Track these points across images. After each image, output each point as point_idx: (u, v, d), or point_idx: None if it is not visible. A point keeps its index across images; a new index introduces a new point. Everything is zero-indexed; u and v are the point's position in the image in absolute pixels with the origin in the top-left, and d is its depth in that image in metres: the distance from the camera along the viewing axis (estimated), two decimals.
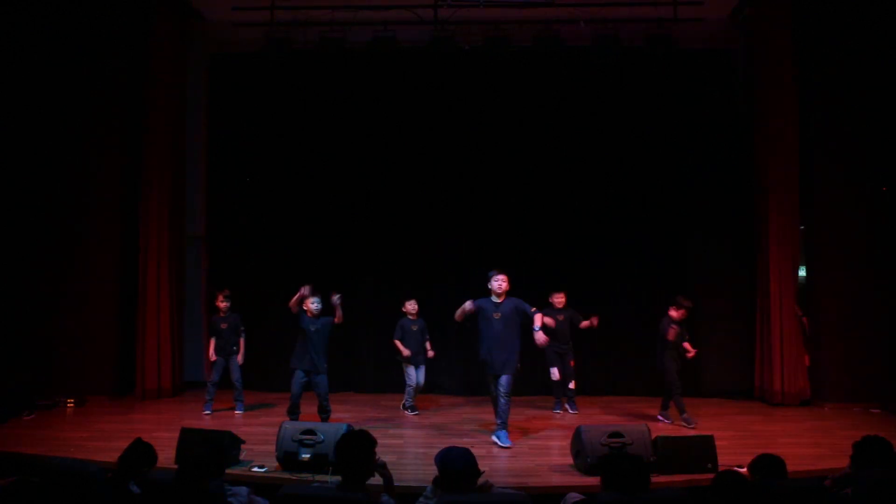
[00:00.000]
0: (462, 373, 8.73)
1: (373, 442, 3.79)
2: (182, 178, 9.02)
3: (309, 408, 6.98)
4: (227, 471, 4.70)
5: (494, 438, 6.47)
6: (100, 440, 6.38)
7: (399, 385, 8.16)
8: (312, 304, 6.88)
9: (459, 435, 6.77)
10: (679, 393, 7.22)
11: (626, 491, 3.48)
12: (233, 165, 9.33)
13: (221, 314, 7.81)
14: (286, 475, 5.34)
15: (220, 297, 7.80)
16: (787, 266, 8.25)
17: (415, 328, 7.89)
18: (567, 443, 5.94)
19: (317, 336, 6.85)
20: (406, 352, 7.78)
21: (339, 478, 3.75)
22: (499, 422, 6.46)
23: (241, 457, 5.71)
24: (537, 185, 9.06)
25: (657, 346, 7.35)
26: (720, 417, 7.44)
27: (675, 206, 8.94)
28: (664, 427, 7.06)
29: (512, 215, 9.02)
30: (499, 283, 6.52)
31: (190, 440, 5.49)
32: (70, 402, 7.93)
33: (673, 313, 7.24)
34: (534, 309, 6.50)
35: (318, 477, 5.17)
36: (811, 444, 6.43)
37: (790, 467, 4.08)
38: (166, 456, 4.95)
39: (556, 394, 7.99)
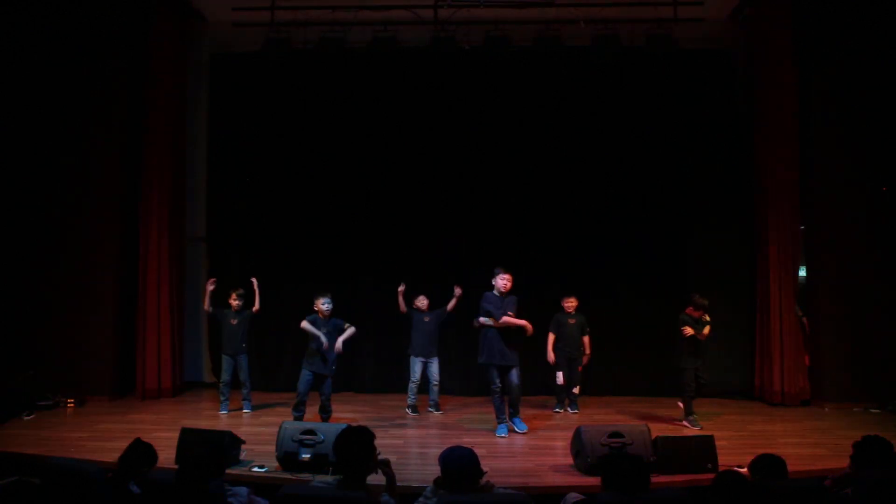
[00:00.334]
0: (463, 373, 8.73)
1: (371, 436, 3.76)
2: (182, 178, 9.03)
3: (310, 407, 7.00)
4: (227, 471, 4.70)
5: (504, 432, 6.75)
6: (100, 440, 6.38)
7: (399, 385, 8.16)
8: (324, 306, 6.89)
9: (460, 435, 6.76)
10: (691, 396, 7.17)
11: (626, 491, 3.48)
12: (233, 165, 9.33)
13: (234, 310, 7.81)
14: (286, 475, 5.34)
15: (234, 296, 7.79)
16: (787, 266, 8.25)
17: (427, 319, 7.83)
18: (567, 443, 5.94)
19: (328, 338, 6.86)
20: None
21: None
22: (511, 411, 6.81)
23: (242, 457, 5.71)
24: (537, 184, 9.06)
25: (677, 346, 7.25)
26: (720, 417, 7.44)
27: (675, 206, 8.94)
28: (664, 427, 7.05)
29: (512, 215, 9.03)
30: (504, 282, 6.80)
31: (190, 440, 5.48)
32: (70, 402, 7.93)
33: (690, 312, 7.15)
34: (510, 314, 6.72)
35: (319, 477, 5.17)
36: (811, 444, 6.43)
37: (790, 467, 4.08)
38: (166, 456, 4.95)
39: (559, 395, 7.99)
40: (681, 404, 7.28)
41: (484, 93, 9.10)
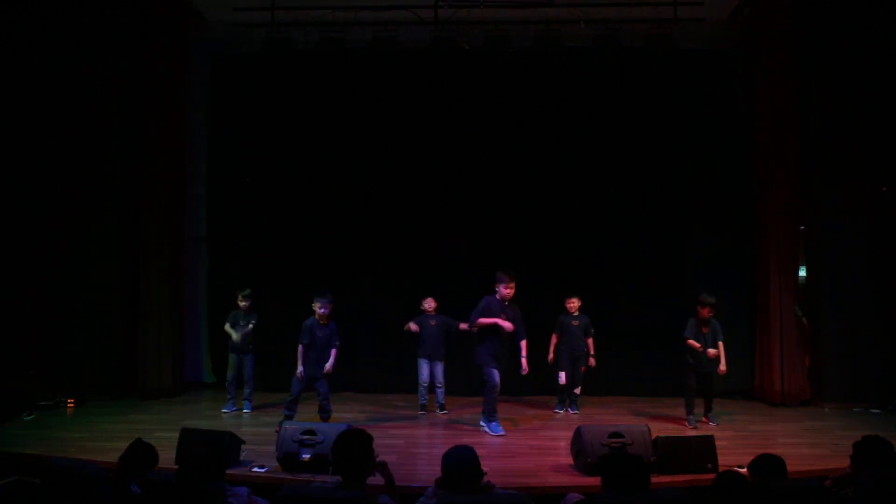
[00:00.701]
0: (464, 373, 8.72)
1: (369, 438, 3.77)
2: (183, 178, 9.02)
3: (310, 407, 6.99)
4: (228, 471, 4.69)
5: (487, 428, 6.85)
6: (100, 440, 6.38)
7: (399, 385, 8.15)
8: (320, 310, 6.90)
9: (460, 435, 6.76)
10: (691, 395, 7.21)
11: (626, 491, 3.48)
12: (233, 166, 9.33)
13: (243, 311, 7.83)
14: (286, 475, 5.34)
15: (241, 297, 7.80)
16: (787, 266, 8.25)
17: (433, 323, 7.85)
18: (567, 443, 5.94)
19: (322, 341, 6.89)
20: (414, 327, 7.81)
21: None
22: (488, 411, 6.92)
23: (242, 457, 5.71)
24: (537, 185, 9.06)
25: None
26: (720, 417, 7.43)
27: (675, 206, 8.94)
28: (663, 427, 7.04)
29: (512, 215, 9.02)
30: (510, 291, 6.81)
31: (190, 440, 5.48)
32: (70, 402, 7.92)
33: (704, 313, 7.12)
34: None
35: (319, 477, 5.17)
36: (811, 444, 6.43)
37: (790, 467, 4.07)
38: (167, 456, 4.95)
39: (560, 395, 7.98)
40: (706, 420, 7.30)
41: (484, 93, 9.10)
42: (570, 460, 5.80)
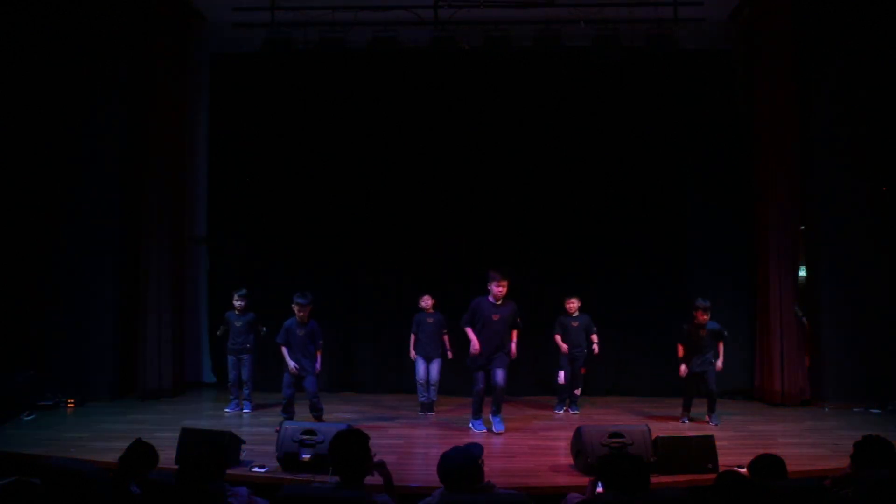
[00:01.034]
0: (464, 373, 8.71)
1: (366, 438, 3.77)
2: (183, 178, 9.03)
3: (307, 407, 7.00)
4: (228, 471, 4.69)
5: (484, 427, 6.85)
6: (100, 440, 6.37)
7: (399, 385, 8.15)
8: (299, 311, 7.00)
9: (460, 435, 6.76)
10: (688, 395, 7.28)
11: (626, 491, 3.48)
12: (233, 165, 9.33)
13: (237, 311, 7.82)
14: (286, 475, 5.34)
15: (236, 297, 7.80)
16: (787, 266, 8.24)
17: (430, 321, 7.84)
18: (567, 443, 5.94)
19: (302, 340, 6.97)
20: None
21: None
22: (493, 409, 6.91)
23: (242, 457, 5.71)
24: (537, 185, 9.05)
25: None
26: (720, 417, 7.43)
27: (674, 206, 8.95)
28: (663, 427, 7.04)
29: (512, 215, 9.02)
30: (501, 289, 6.83)
31: (190, 440, 5.47)
32: (70, 402, 7.92)
33: (696, 315, 7.20)
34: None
35: (319, 477, 5.17)
36: (811, 444, 6.42)
37: (790, 467, 4.08)
38: (167, 456, 4.95)
39: (560, 395, 7.98)
40: (707, 420, 7.32)
41: (484, 93, 9.09)
42: (570, 460, 5.79)
